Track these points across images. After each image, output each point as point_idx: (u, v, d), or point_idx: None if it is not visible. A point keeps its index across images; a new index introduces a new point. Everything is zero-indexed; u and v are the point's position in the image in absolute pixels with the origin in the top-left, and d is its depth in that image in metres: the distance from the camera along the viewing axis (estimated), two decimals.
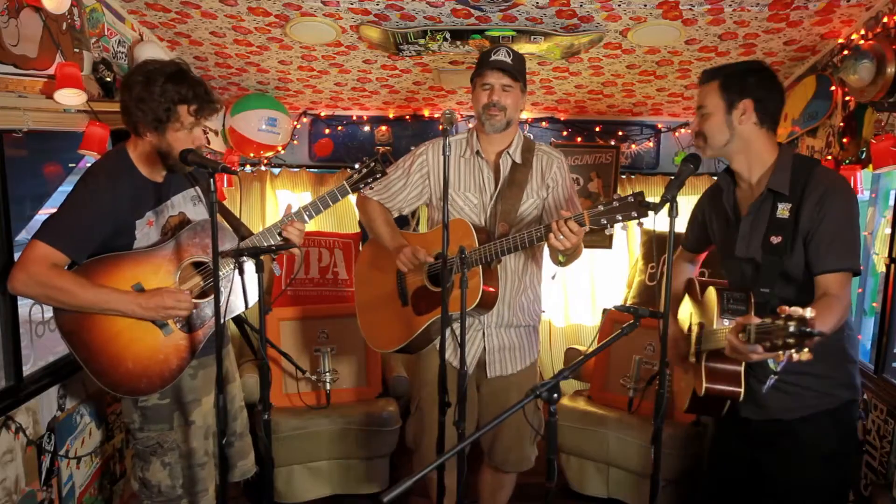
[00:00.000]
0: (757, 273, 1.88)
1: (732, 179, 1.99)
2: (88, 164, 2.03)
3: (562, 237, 1.97)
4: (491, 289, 2.23)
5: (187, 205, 2.10)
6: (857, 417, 2.00)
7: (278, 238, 2.05)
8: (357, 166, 2.12)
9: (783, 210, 1.82)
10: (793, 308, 1.35)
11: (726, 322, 1.80)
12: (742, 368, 1.82)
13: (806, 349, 1.32)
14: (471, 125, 2.40)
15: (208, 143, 2.06)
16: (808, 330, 1.30)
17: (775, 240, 1.82)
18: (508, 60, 2.22)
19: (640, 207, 1.87)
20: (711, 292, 1.91)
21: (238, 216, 3.86)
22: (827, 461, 1.86)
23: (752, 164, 1.91)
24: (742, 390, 1.82)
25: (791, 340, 1.33)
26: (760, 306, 1.82)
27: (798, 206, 1.80)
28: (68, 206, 1.87)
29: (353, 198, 3.11)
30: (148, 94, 1.84)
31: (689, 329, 2.06)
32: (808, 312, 1.32)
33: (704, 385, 1.83)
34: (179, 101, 1.87)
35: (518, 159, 2.33)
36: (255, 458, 2.34)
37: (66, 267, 1.87)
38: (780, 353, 1.37)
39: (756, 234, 1.88)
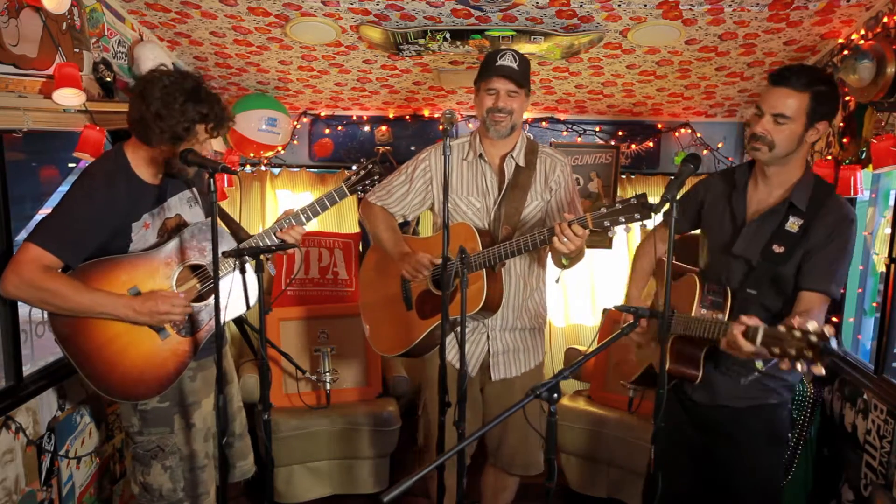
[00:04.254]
0: (748, 273, 1.92)
1: (748, 179, 2.00)
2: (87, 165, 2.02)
3: (566, 240, 1.98)
4: (495, 292, 2.22)
5: (183, 207, 2.08)
6: (787, 416, 2.13)
7: (275, 240, 2.05)
8: (355, 168, 2.13)
9: (793, 224, 1.86)
10: (805, 322, 1.41)
11: (704, 312, 1.89)
12: (702, 354, 1.91)
13: (820, 364, 1.37)
14: (471, 126, 2.40)
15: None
16: (832, 347, 1.36)
17: (778, 249, 1.87)
18: (515, 66, 2.18)
19: (643, 209, 1.89)
20: (692, 280, 1.97)
21: (238, 216, 3.89)
22: (770, 446, 2.02)
23: (786, 176, 1.92)
24: (700, 374, 1.92)
25: (809, 354, 1.39)
26: (742, 303, 1.88)
27: (809, 223, 1.84)
28: (62, 208, 1.84)
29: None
30: (167, 112, 1.81)
31: (653, 306, 2.11)
32: (828, 329, 1.38)
33: (668, 365, 1.89)
34: (200, 121, 1.87)
35: (521, 162, 2.32)
36: (255, 459, 2.34)
37: (60, 271, 1.84)
38: (786, 360, 1.42)
39: (759, 238, 1.92)
